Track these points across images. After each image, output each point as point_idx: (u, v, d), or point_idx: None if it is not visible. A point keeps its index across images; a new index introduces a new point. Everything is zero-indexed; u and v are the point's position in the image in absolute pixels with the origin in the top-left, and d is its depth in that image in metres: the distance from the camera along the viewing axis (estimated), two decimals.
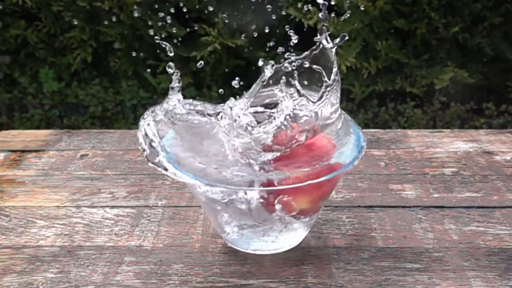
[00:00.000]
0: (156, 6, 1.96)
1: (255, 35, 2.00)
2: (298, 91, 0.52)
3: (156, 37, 0.58)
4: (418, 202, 0.63)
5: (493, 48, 1.99)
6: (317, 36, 0.53)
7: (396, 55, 1.96)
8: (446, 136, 0.80)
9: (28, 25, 2.11)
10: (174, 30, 2.00)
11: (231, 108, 0.52)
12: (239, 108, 0.53)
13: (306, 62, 0.54)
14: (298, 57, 0.55)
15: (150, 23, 1.99)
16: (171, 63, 0.53)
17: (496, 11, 1.95)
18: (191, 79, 2.09)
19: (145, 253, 0.55)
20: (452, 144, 0.78)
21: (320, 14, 0.53)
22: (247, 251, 0.54)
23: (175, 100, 0.53)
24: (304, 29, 1.85)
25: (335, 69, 0.51)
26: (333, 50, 0.52)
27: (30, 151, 0.77)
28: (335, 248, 0.55)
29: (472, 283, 0.50)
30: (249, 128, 0.50)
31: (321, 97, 0.51)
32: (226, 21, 1.94)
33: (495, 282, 0.50)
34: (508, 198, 0.63)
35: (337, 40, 0.53)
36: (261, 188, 0.47)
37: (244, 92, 0.58)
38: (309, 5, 1.89)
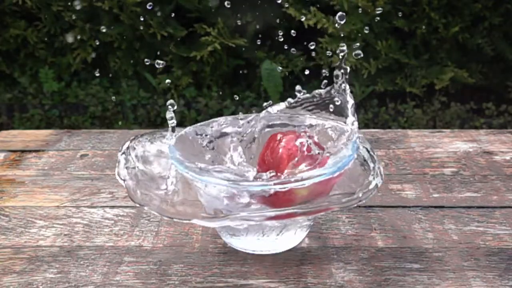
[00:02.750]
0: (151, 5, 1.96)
1: (255, 35, 2.00)
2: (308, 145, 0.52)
3: (146, 59, 0.58)
4: (418, 202, 0.63)
5: (493, 48, 1.99)
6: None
7: (396, 55, 1.96)
8: (446, 136, 0.80)
9: (28, 25, 2.11)
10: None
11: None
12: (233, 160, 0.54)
13: (317, 95, 0.55)
14: (307, 95, 0.56)
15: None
16: (172, 102, 0.53)
17: (496, 11, 1.95)
18: (191, 79, 2.09)
19: (145, 253, 0.55)
20: (452, 144, 0.78)
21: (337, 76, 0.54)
22: (247, 251, 0.54)
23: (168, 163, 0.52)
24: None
25: (355, 124, 0.52)
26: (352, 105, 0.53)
27: (30, 151, 0.77)
28: (335, 248, 0.55)
29: (472, 283, 0.50)
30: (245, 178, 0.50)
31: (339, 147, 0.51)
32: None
33: (495, 282, 0.50)
34: (508, 198, 0.63)
35: (354, 52, 0.54)
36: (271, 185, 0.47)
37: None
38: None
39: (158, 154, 0.54)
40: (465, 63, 2.02)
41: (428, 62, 2.01)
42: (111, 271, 0.52)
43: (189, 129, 0.57)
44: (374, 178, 0.50)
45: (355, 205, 0.48)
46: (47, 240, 0.57)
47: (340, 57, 0.53)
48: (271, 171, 0.50)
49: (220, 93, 2.10)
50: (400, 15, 1.92)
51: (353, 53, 0.55)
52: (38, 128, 2.11)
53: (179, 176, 0.51)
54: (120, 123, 2.07)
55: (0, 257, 0.54)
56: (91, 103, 2.15)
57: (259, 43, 2.00)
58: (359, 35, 1.90)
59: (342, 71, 0.53)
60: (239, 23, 2.00)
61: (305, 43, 0.58)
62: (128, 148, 0.53)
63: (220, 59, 2.07)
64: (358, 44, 0.55)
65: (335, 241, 0.56)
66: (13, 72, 2.19)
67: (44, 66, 2.17)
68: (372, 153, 0.54)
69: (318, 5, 1.90)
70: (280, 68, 1.96)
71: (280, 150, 0.51)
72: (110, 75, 2.14)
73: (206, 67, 2.07)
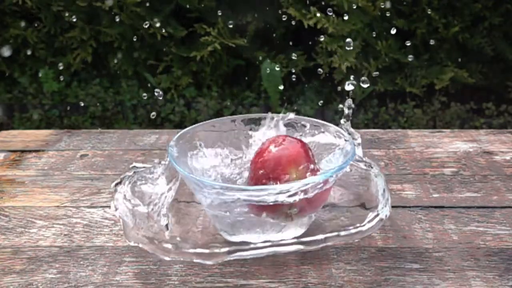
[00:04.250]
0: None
1: (255, 35, 1.99)
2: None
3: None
4: (418, 202, 0.63)
5: (493, 48, 1.99)
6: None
7: (396, 55, 1.96)
8: (446, 136, 0.80)
9: (28, 25, 2.11)
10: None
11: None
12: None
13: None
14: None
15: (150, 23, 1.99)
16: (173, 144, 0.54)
17: (496, 11, 1.95)
18: (191, 79, 2.09)
19: (145, 253, 0.55)
20: (452, 144, 0.78)
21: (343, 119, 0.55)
22: None
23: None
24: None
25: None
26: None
27: (30, 151, 0.77)
28: (335, 248, 0.55)
29: (472, 283, 0.50)
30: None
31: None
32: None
33: (495, 282, 0.50)
34: (508, 198, 0.63)
35: (361, 79, 0.54)
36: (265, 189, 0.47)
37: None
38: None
39: (151, 190, 0.54)
40: (465, 63, 2.02)
41: (428, 62, 2.01)
42: (111, 271, 0.52)
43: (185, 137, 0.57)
44: (381, 211, 0.52)
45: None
46: (47, 240, 0.57)
47: (348, 99, 0.54)
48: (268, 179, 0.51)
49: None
50: (399, 15, 1.92)
51: (360, 81, 0.56)
52: (38, 128, 2.11)
53: (173, 211, 0.52)
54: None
55: (0, 257, 0.54)
56: (91, 103, 2.15)
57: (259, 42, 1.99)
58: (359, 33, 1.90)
59: (349, 111, 0.55)
60: (239, 23, 1.99)
61: (309, 42, 0.59)
62: (121, 182, 0.54)
63: (220, 59, 2.07)
64: (366, 79, 0.56)
65: None
66: (13, 72, 2.19)
67: (44, 66, 2.17)
68: (385, 186, 0.54)
69: (318, 6, 1.90)
70: (278, 68, 1.96)
71: (277, 154, 0.51)
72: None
73: (206, 67, 2.07)
